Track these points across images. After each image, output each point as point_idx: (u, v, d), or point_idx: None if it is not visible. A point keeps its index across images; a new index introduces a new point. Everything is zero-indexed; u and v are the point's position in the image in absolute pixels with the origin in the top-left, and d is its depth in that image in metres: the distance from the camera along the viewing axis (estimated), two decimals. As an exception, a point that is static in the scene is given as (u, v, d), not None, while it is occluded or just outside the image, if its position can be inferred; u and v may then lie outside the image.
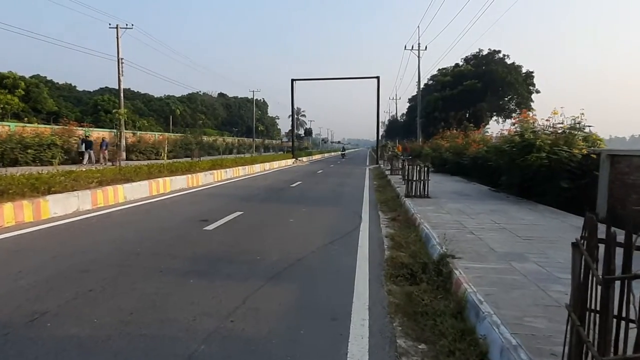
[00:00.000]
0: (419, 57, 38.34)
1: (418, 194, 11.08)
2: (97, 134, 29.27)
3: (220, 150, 48.12)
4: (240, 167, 19.59)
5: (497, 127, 47.46)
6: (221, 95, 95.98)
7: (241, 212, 9.00)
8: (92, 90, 52.32)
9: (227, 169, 17.75)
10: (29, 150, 20.95)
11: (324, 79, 46.89)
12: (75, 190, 8.61)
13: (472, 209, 8.91)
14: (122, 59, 29.52)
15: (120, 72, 29.57)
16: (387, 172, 21.44)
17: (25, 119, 31.91)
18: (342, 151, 66.05)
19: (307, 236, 6.90)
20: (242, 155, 40.59)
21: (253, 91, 70.89)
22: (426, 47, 39.43)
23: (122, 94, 30.34)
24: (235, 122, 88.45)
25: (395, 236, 6.83)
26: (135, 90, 70.77)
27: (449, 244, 5.40)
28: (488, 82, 39.16)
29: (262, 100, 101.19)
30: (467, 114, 41.41)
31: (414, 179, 11.18)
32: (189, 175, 13.78)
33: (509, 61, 41.70)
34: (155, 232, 6.85)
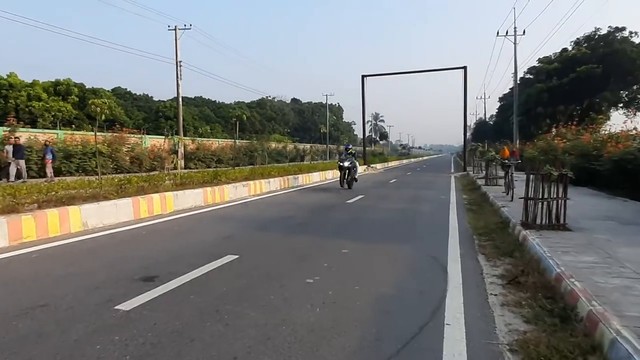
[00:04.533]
0: (515, 42, 32.07)
1: (545, 222, 6.50)
2: (152, 140, 27.90)
3: (289, 157, 45.37)
4: (290, 177, 15.90)
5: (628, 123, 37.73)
6: (294, 100, 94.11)
7: (235, 257, 5.31)
8: (165, 100, 53.24)
9: (271, 179, 14.20)
10: (73, 160, 19.48)
11: (398, 73, 41.31)
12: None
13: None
14: (180, 61, 27.84)
15: (179, 75, 27.84)
16: (480, 182, 16.44)
17: (73, 126, 31.62)
18: (344, 157, 15.27)
19: (314, 346, 2.90)
20: (298, 163, 37.42)
21: (326, 95, 68.16)
22: (524, 32, 32.97)
23: (180, 98, 28.58)
24: (309, 127, 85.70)
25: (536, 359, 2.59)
26: (206, 98, 71.75)
27: None
28: (610, 67, 30.85)
29: (336, 104, 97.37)
30: (579, 109, 33.51)
31: (539, 197, 6.56)
32: (208, 189, 10.38)
33: (637, 40, 33.04)
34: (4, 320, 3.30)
